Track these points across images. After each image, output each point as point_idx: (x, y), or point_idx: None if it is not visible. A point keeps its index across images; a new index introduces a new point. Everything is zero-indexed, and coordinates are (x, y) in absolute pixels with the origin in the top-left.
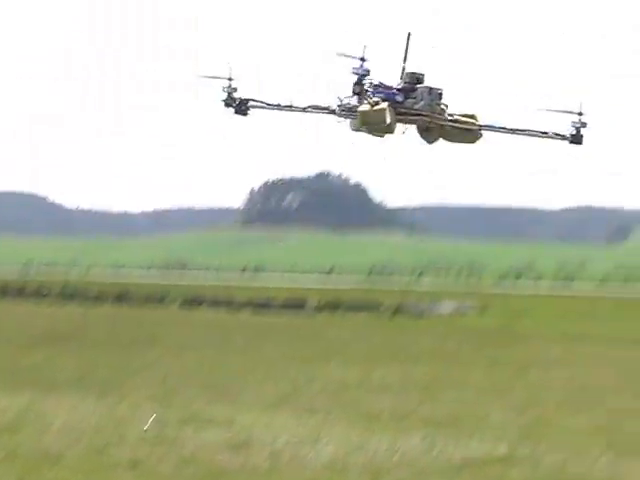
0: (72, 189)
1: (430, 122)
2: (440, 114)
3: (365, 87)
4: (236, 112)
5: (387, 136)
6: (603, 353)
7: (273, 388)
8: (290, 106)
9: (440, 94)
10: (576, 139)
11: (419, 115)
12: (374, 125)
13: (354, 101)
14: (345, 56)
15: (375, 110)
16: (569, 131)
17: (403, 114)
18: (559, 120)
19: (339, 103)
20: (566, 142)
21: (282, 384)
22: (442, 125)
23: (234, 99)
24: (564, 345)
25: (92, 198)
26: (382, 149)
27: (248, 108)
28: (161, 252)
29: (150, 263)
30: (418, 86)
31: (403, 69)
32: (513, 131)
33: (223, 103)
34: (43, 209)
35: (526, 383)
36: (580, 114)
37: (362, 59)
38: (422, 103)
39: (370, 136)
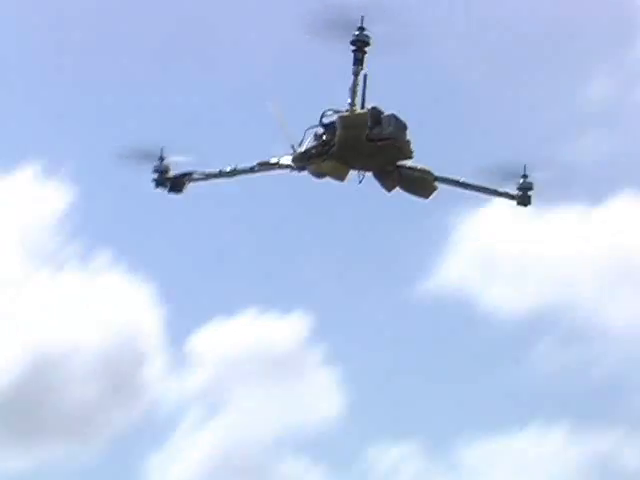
0: None
1: (395, 146)
2: (407, 143)
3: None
4: (170, 190)
5: (347, 180)
6: None
7: None
8: (234, 170)
9: (405, 126)
10: (523, 201)
11: (388, 139)
12: (353, 131)
13: (312, 143)
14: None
15: (357, 113)
16: (516, 193)
17: (372, 140)
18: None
19: (292, 151)
20: (514, 202)
21: None
22: (400, 171)
23: (168, 178)
24: None
25: None
26: None
27: (184, 184)
28: None
29: None
30: (382, 116)
31: (362, 107)
32: (466, 186)
33: (154, 183)
34: None
35: None
36: (525, 176)
37: (361, 28)
38: (390, 129)
39: (327, 179)
